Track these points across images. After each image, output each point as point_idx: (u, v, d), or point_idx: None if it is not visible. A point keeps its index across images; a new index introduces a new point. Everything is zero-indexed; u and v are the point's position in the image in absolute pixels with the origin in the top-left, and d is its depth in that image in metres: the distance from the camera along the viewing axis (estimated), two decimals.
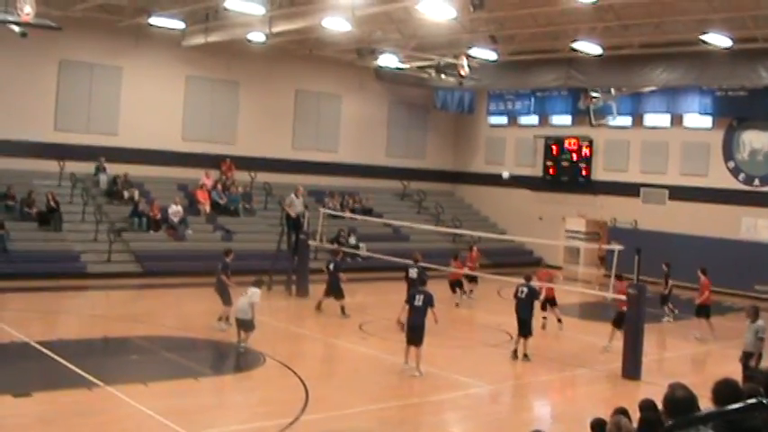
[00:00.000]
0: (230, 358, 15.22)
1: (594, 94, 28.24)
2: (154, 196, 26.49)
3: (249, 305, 15.22)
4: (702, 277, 19.46)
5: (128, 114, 26.97)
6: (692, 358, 17.73)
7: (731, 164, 27.80)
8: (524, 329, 15.78)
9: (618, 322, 16.36)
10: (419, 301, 14.29)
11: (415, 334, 14.12)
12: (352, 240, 27.65)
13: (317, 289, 22.32)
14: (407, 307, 14.39)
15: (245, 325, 15.23)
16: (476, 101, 34.54)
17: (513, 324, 17.02)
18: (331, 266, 19.81)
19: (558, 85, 28.39)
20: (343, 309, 19.01)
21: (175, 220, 25.65)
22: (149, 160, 27.17)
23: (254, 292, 15.41)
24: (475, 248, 24.01)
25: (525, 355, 15.75)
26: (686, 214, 28.10)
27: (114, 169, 26.43)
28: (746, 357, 13.26)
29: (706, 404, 4.92)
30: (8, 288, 20.10)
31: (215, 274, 17.22)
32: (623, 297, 15.51)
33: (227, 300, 16.84)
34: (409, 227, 27.49)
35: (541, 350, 16.06)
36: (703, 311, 19.10)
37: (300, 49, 28.41)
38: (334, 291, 19.32)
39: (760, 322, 13.44)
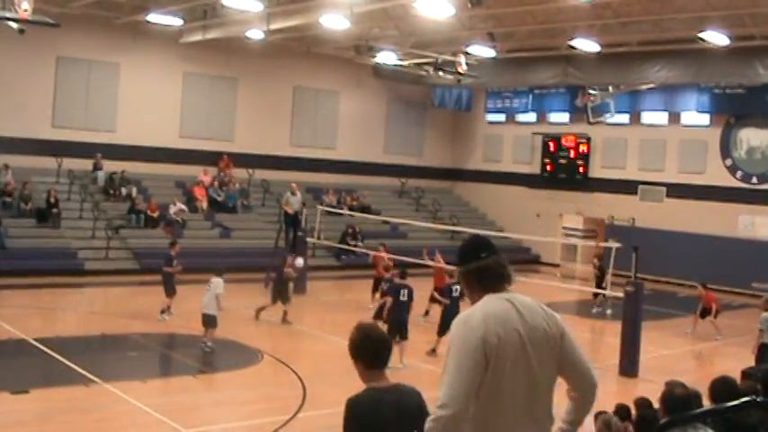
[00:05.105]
0: (228, 355, 15.21)
1: (592, 92, 28.22)
2: (151, 193, 26.47)
3: (214, 297, 14.66)
4: None
5: (125, 111, 26.92)
6: (689, 355, 17.75)
7: (729, 161, 27.81)
8: None
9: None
10: (404, 295, 14.14)
11: (401, 329, 14.02)
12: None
13: (316, 286, 22.34)
14: (391, 300, 14.18)
15: (209, 321, 14.67)
16: (474, 98, 34.53)
17: None
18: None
19: (555, 83, 28.34)
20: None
21: (179, 219, 25.61)
22: (147, 157, 27.13)
23: (217, 283, 14.83)
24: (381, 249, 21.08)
25: None
26: (684, 212, 28.12)
27: (112, 166, 26.39)
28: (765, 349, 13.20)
29: (704, 401, 4.94)
30: (6, 285, 20.10)
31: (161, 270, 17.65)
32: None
33: (170, 291, 17.25)
34: (407, 224, 27.49)
35: None
36: None
37: (299, 46, 28.39)
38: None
39: None
